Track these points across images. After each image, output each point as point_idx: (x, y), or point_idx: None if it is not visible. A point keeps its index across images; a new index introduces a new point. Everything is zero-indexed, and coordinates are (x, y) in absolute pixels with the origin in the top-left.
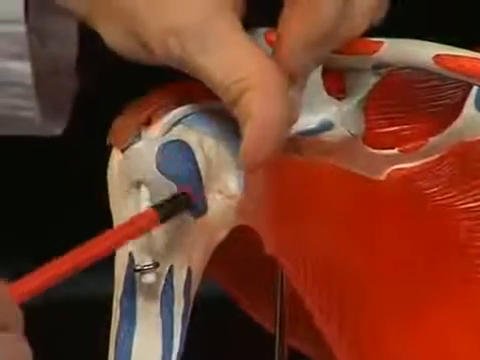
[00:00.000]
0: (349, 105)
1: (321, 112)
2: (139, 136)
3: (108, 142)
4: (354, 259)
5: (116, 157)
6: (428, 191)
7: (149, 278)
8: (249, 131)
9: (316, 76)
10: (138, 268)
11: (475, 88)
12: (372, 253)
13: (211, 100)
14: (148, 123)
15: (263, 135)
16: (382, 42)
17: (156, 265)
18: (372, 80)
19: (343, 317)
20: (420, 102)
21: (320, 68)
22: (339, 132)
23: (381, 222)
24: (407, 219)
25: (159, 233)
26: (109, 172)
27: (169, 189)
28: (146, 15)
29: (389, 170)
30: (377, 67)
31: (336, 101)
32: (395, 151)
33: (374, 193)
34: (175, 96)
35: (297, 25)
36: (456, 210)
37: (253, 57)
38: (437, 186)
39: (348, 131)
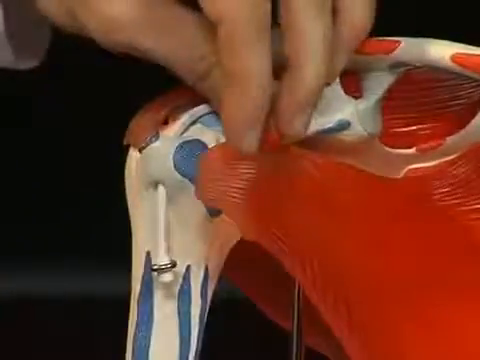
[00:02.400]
0: (367, 104)
1: (339, 111)
2: (157, 136)
3: (125, 142)
4: (366, 258)
5: (134, 157)
6: (444, 190)
7: (166, 277)
8: (227, 94)
9: None
10: (155, 267)
11: None
12: (385, 252)
13: None
14: (165, 122)
15: (242, 92)
16: (399, 41)
17: (173, 264)
18: (389, 80)
19: (353, 317)
20: (438, 102)
21: None
22: (356, 131)
23: (395, 221)
24: (422, 218)
25: (177, 232)
26: (127, 172)
27: (186, 189)
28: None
29: (406, 170)
30: (394, 66)
31: (354, 100)
32: (412, 151)
33: (389, 193)
34: (192, 95)
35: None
36: (470, 210)
37: (212, 34)
38: (452, 186)
39: (365, 130)
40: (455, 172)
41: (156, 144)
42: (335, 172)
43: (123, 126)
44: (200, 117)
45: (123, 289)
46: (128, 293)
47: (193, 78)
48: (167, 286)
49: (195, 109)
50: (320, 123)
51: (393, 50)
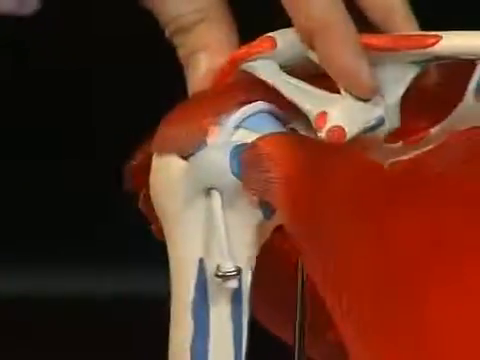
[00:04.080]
0: (392, 100)
1: (377, 106)
2: (204, 143)
3: (157, 149)
4: (370, 253)
5: (175, 164)
6: (431, 175)
7: (232, 284)
8: (327, 46)
9: None
10: (220, 274)
11: (475, 79)
12: (387, 247)
13: (262, 101)
14: (208, 129)
15: (340, 33)
16: (440, 36)
17: (238, 271)
18: (411, 74)
19: (361, 314)
20: (424, 95)
21: None
22: (386, 127)
23: (392, 214)
24: (414, 206)
25: (230, 237)
26: (165, 180)
27: (244, 193)
28: None
29: (392, 161)
30: (430, 61)
31: (382, 97)
32: (399, 144)
33: (381, 182)
34: (230, 102)
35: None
36: (455, 195)
37: None
38: (435, 173)
39: (391, 126)
40: (436, 160)
41: (207, 151)
42: (365, 171)
43: (125, 126)
44: (242, 121)
45: (123, 289)
46: (128, 293)
47: (175, 29)
48: (223, 292)
49: (237, 114)
50: (364, 121)
51: (434, 44)
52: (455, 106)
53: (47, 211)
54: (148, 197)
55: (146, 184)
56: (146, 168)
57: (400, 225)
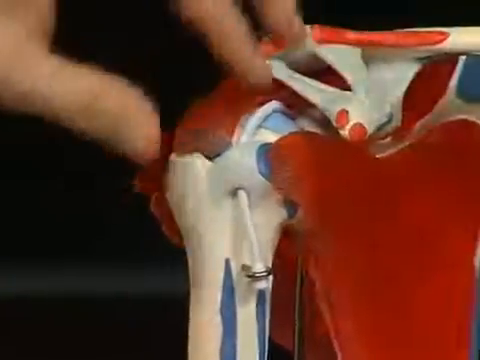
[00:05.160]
0: (396, 97)
1: (384, 104)
2: (230, 143)
3: (182, 151)
4: (370, 252)
5: (200, 165)
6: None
7: (262, 284)
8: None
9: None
10: (250, 274)
11: (456, 75)
12: (385, 246)
13: (275, 100)
14: (233, 130)
15: None
16: (446, 32)
17: (269, 272)
18: (413, 71)
19: (357, 312)
20: (409, 91)
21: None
22: (394, 123)
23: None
24: (409, 202)
25: (261, 237)
26: (191, 182)
27: (269, 192)
28: None
29: (382, 156)
30: (432, 58)
31: (388, 94)
32: (388, 140)
33: (387, 179)
34: (249, 100)
35: None
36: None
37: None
38: (416, 167)
39: (396, 123)
40: (417, 154)
41: (233, 151)
42: (375, 169)
43: None
44: (262, 121)
45: (123, 289)
46: (128, 293)
47: (79, 105)
48: (250, 292)
49: (258, 115)
50: (376, 119)
51: (441, 41)
52: (436, 102)
53: (47, 211)
54: (161, 199)
55: (160, 186)
56: (159, 170)
57: (398, 223)
